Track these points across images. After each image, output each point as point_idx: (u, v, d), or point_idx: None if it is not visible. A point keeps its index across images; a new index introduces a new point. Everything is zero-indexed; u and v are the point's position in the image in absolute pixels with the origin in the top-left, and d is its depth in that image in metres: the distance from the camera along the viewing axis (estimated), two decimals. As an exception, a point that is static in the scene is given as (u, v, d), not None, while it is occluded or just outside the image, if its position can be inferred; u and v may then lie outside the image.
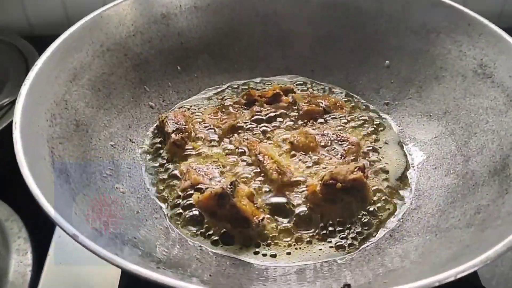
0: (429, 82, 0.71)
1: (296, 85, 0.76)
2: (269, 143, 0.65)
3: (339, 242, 0.56)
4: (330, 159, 0.63)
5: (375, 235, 0.57)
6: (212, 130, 0.67)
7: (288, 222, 0.57)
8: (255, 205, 0.57)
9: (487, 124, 0.61)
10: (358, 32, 0.76)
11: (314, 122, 0.69)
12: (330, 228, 0.57)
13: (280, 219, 0.57)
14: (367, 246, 0.56)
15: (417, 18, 0.72)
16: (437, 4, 0.71)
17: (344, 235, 0.56)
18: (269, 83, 0.77)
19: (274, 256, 0.54)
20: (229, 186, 0.55)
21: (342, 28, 0.77)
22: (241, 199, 0.55)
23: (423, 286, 0.38)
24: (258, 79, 0.78)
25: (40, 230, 0.66)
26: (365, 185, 0.58)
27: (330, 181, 0.57)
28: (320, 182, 0.58)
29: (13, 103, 0.76)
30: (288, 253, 0.55)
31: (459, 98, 0.67)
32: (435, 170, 0.63)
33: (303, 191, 0.59)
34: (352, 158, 0.64)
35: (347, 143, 0.66)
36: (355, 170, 0.58)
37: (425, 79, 0.71)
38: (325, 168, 0.62)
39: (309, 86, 0.77)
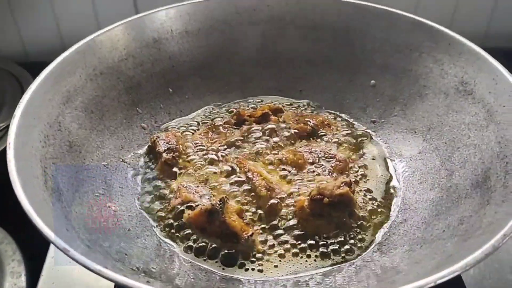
0: (413, 100, 0.73)
1: (285, 104, 0.78)
2: (258, 161, 0.67)
3: (326, 255, 0.57)
4: (318, 175, 0.64)
5: (362, 248, 0.58)
6: (203, 150, 0.69)
7: (277, 237, 0.58)
8: (244, 220, 0.58)
9: (469, 139, 0.63)
10: (344, 53, 0.79)
11: (302, 140, 0.71)
12: (317, 242, 0.58)
13: (268, 234, 0.58)
14: (354, 259, 0.57)
15: (400, 39, 0.75)
16: (419, 24, 0.73)
17: (332, 249, 0.57)
18: (259, 103, 0.79)
19: (261, 271, 0.55)
20: (219, 203, 0.56)
21: (329, 49, 0.79)
22: (231, 215, 0.57)
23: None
24: (248, 100, 0.80)
25: (34, 252, 0.67)
26: (351, 200, 0.59)
27: (318, 196, 0.59)
28: (308, 197, 0.60)
29: (8, 128, 0.78)
30: (276, 268, 0.56)
31: (442, 114, 0.69)
32: (421, 185, 0.65)
33: (292, 206, 0.60)
34: (340, 174, 0.65)
35: (335, 159, 0.67)
36: (341, 185, 0.59)
37: (409, 97, 0.73)
38: (313, 184, 0.63)
39: (298, 105, 0.79)
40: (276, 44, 0.81)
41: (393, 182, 0.67)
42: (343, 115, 0.77)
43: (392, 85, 0.75)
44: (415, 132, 0.71)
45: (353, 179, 0.65)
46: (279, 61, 0.81)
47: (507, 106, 0.60)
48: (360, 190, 0.64)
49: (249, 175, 0.63)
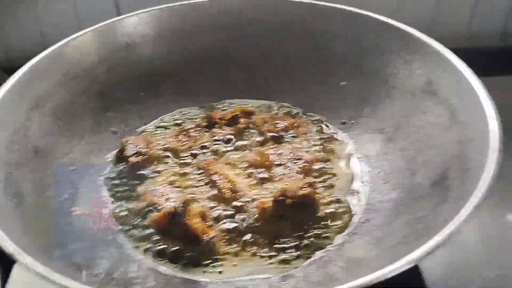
0: (382, 100, 0.74)
1: (258, 106, 0.79)
2: (226, 163, 0.67)
3: (289, 256, 0.57)
4: (284, 177, 0.65)
5: (323, 249, 0.58)
6: (172, 153, 0.69)
7: (239, 238, 0.59)
8: (207, 223, 0.59)
9: (433, 139, 0.64)
10: (316, 55, 0.79)
11: (272, 142, 0.72)
12: (279, 243, 0.59)
13: (231, 236, 0.59)
14: (314, 259, 0.57)
15: (370, 40, 0.76)
16: (387, 26, 0.74)
17: (293, 250, 0.58)
18: (232, 105, 0.80)
19: (222, 272, 0.56)
20: (181, 206, 0.57)
21: (301, 51, 0.80)
22: (193, 217, 0.57)
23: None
24: (221, 103, 0.80)
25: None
26: (314, 201, 0.60)
27: (280, 198, 0.59)
28: (271, 199, 0.60)
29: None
30: (237, 269, 0.56)
31: (409, 115, 0.69)
32: (385, 185, 0.65)
33: (256, 208, 0.61)
34: (306, 175, 0.66)
35: (302, 161, 0.68)
36: (305, 186, 0.60)
37: (379, 98, 0.74)
38: (278, 185, 0.64)
39: (271, 107, 0.79)
40: (249, 47, 0.81)
41: (359, 183, 0.67)
42: (314, 116, 0.78)
43: (362, 86, 0.76)
44: (383, 133, 0.72)
45: (319, 180, 0.66)
46: (252, 64, 0.81)
47: (469, 106, 0.61)
48: (326, 191, 0.65)
49: (215, 177, 0.64)
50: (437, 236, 0.45)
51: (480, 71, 0.98)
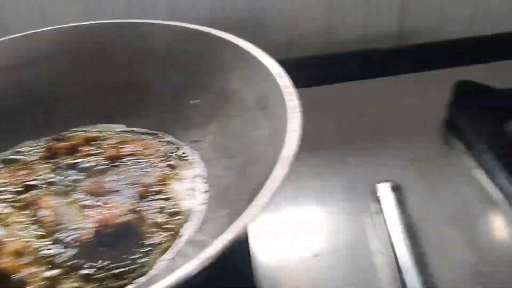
0: (227, 117, 0.74)
1: (107, 132, 0.78)
2: (57, 194, 0.66)
3: (110, 285, 0.57)
4: (114, 204, 0.64)
5: (144, 276, 0.58)
6: (6, 189, 0.68)
7: (56, 273, 0.58)
8: (21, 260, 0.57)
9: (261, 154, 0.64)
10: (166, 75, 0.80)
11: (114, 168, 0.71)
12: (99, 274, 0.57)
13: (47, 271, 0.58)
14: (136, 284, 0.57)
15: (216, 58, 0.77)
16: (227, 43, 0.75)
17: (113, 279, 0.57)
18: (82, 134, 0.79)
19: (34, 310, 0.55)
20: (-7, 245, 0.56)
21: (151, 72, 0.80)
22: (4, 256, 0.56)
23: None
24: (70, 132, 0.79)
25: None
26: (135, 227, 0.60)
27: (100, 227, 0.59)
28: (93, 229, 0.60)
29: None
30: (53, 305, 0.55)
31: (248, 130, 0.70)
32: (218, 204, 0.65)
33: (76, 240, 0.60)
34: (141, 200, 0.66)
35: (139, 185, 0.67)
36: (126, 213, 0.59)
37: (224, 115, 0.75)
38: (106, 212, 0.63)
39: (121, 132, 0.79)
40: (97, 72, 0.81)
41: (196, 203, 0.67)
42: (165, 137, 0.78)
43: (211, 105, 0.77)
44: (228, 150, 0.72)
45: (154, 204, 0.65)
46: (102, 89, 0.81)
47: (285, 121, 0.62)
48: (156, 214, 0.64)
49: (40, 211, 0.63)
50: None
51: (377, 72, 1.03)
